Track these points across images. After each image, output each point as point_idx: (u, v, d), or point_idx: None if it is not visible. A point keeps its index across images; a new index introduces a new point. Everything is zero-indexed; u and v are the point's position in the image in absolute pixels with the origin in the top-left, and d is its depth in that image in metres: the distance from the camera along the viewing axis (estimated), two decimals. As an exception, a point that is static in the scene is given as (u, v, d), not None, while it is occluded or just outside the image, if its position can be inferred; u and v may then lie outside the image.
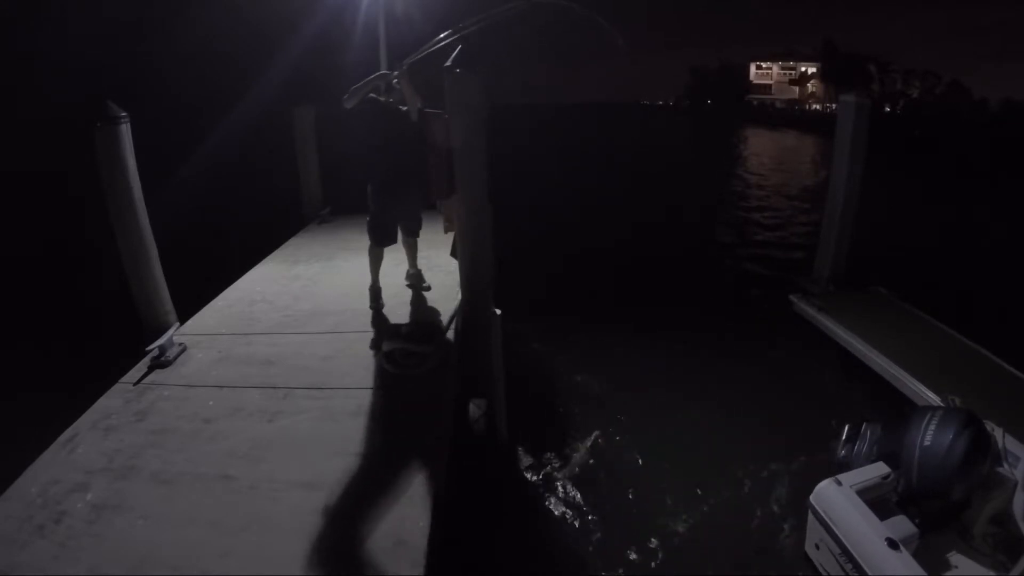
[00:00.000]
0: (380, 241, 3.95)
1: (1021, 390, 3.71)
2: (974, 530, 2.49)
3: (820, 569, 2.57)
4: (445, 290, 4.31)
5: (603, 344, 5.57)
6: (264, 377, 3.18)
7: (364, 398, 2.92)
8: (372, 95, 3.56)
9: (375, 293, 4.10)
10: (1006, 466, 2.53)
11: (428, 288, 4.22)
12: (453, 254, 3.94)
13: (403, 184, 3.86)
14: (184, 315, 3.89)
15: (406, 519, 2.15)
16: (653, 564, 3.03)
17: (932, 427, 2.44)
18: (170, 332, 3.52)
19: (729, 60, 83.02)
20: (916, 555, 2.26)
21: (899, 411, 3.64)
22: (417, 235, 4.22)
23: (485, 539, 3.05)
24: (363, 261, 4.11)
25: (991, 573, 2.40)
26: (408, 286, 4.27)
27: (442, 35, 3.37)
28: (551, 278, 7.51)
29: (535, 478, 3.66)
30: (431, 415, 2.80)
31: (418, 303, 4.14)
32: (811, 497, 2.55)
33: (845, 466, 2.75)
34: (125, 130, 3.40)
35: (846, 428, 2.96)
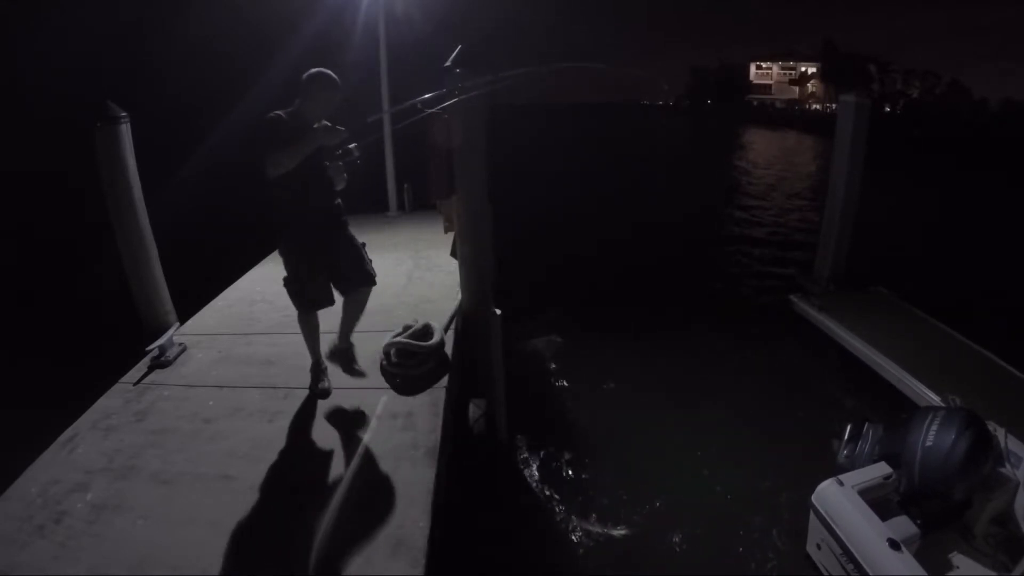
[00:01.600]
0: (304, 307, 2.88)
1: (1021, 390, 3.71)
2: (976, 530, 2.49)
3: (822, 569, 2.56)
4: (445, 290, 4.31)
5: (603, 344, 5.56)
6: (264, 377, 3.18)
7: (364, 398, 2.92)
8: (277, 113, 2.54)
9: (317, 372, 3.02)
10: (1008, 466, 2.53)
11: (361, 374, 3.05)
12: (453, 254, 3.93)
13: (325, 234, 2.78)
14: (184, 315, 3.89)
15: (406, 519, 2.15)
16: (653, 563, 3.03)
17: (934, 427, 2.44)
18: (170, 332, 3.52)
19: (729, 60, 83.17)
20: (918, 555, 2.26)
21: (899, 411, 3.65)
22: (360, 291, 2.96)
23: (485, 539, 3.04)
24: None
25: (993, 573, 2.40)
26: (329, 358, 3.07)
27: (427, 96, 3.15)
28: (551, 278, 7.50)
29: (535, 478, 3.66)
30: (431, 415, 2.80)
31: (418, 303, 4.13)
32: (813, 497, 2.55)
33: (847, 466, 2.74)
34: (125, 130, 3.40)
35: (848, 428, 2.95)
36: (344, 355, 3.05)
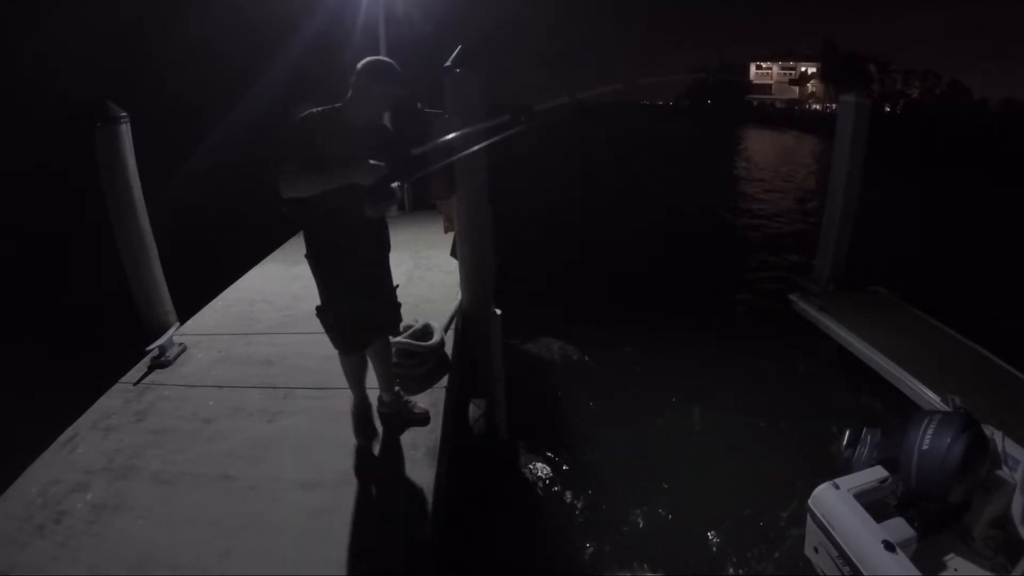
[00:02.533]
0: (352, 345, 2.48)
1: (1021, 390, 3.71)
2: (974, 533, 2.49)
3: (819, 572, 2.57)
4: (445, 290, 4.31)
5: (603, 344, 5.57)
6: (264, 377, 3.18)
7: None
8: (310, 112, 2.10)
9: (363, 416, 2.65)
10: (1005, 469, 2.53)
11: (424, 417, 2.73)
12: (453, 254, 3.93)
13: (366, 246, 2.35)
14: (184, 315, 3.89)
15: (406, 519, 2.15)
16: (653, 564, 3.03)
17: (930, 431, 2.45)
18: (170, 332, 3.52)
19: (729, 60, 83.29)
20: (916, 558, 2.26)
21: (899, 411, 3.66)
22: (396, 331, 2.78)
23: (485, 539, 3.05)
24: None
25: (991, 575, 2.40)
26: (382, 413, 2.73)
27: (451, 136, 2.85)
28: (551, 278, 7.50)
29: (535, 478, 3.66)
30: (431, 415, 2.80)
31: (418, 303, 4.13)
32: (810, 500, 2.56)
33: (846, 471, 2.76)
34: (125, 130, 3.40)
35: (847, 433, 2.97)
36: (393, 404, 2.71)
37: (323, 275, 2.34)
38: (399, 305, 2.60)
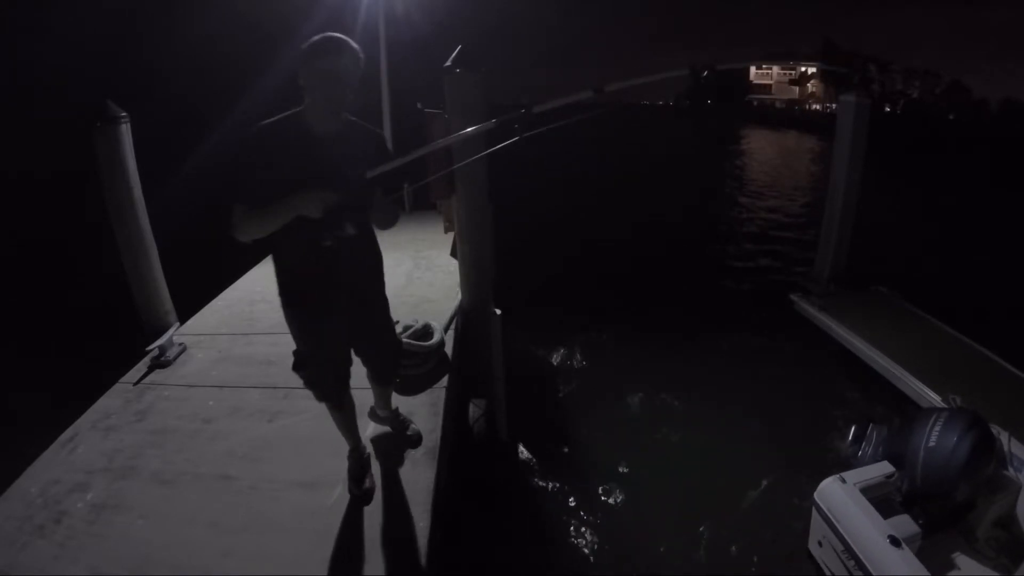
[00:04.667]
0: (330, 396, 2.14)
1: (1022, 390, 3.70)
2: (978, 532, 2.49)
3: (823, 566, 2.56)
4: (445, 290, 4.31)
5: (603, 344, 5.56)
6: (264, 377, 3.17)
7: (364, 398, 2.90)
8: (261, 125, 1.71)
9: (358, 464, 2.27)
10: (1011, 469, 2.53)
11: (417, 438, 2.56)
12: (453, 254, 3.92)
13: (365, 289, 2.05)
14: (184, 315, 3.89)
15: (406, 519, 2.15)
16: (654, 562, 3.03)
17: (937, 428, 2.44)
18: (170, 332, 3.51)
19: (724, 61, 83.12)
20: (920, 556, 2.26)
21: (900, 411, 3.65)
22: (393, 379, 2.47)
23: (485, 539, 3.04)
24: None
25: (995, 575, 2.39)
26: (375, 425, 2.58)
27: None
28: (551, 278, 7.49)
29: (535, 478, 3.65)
30: (431, 415, 2.80)
31: (418, 303, 4.13)
32: (815, 494, 2.55)
33: (851, 465, 2.75)
34: (125, 130, 3.40)
35: (853, 428, 2.96)
36: (391, 420, 2.58)
37: (300, 323, 1.93)
38: (399, 344, 2.36)
